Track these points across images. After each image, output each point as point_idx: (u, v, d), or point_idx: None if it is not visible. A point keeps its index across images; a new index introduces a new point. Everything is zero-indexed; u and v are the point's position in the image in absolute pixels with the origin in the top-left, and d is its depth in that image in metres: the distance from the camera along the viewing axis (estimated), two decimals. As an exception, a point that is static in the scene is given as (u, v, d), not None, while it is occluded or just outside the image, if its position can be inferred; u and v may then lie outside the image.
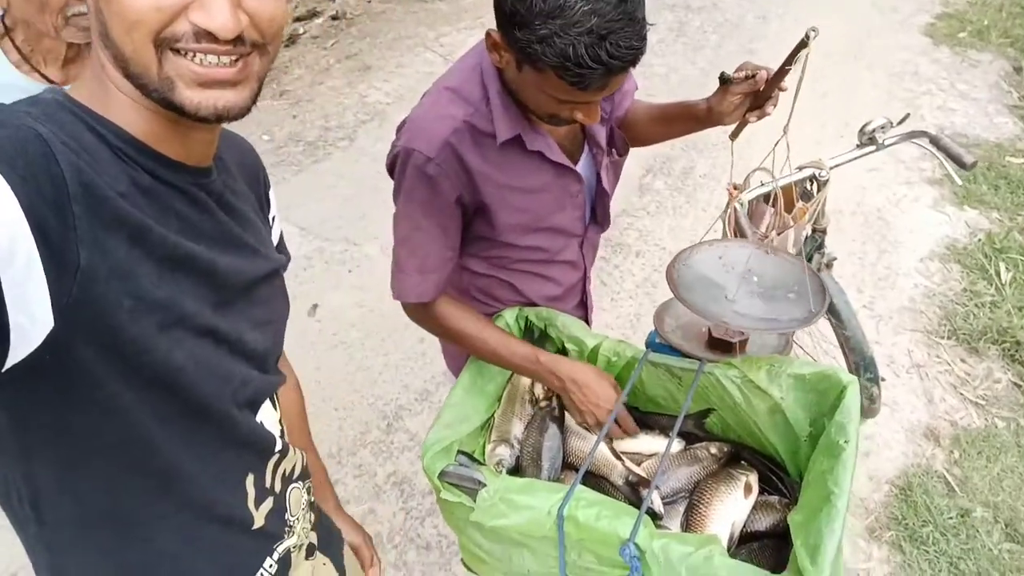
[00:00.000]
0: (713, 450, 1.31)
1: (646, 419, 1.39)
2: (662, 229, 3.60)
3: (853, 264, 3.34)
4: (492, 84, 1.18)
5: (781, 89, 1.23)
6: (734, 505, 1.20)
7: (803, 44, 1.11)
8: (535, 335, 1.41)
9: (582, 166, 1.36)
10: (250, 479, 0.86)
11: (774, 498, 1.25)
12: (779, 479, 1.28)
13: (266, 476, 0.89)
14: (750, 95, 1.25)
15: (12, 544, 0.81)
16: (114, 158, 0.65)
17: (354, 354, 2.84)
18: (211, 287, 0.74)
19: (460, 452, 1.22)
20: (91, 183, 0.60)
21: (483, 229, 1.33)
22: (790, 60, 1.13)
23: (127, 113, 0.67)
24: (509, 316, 1.42)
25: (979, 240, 3.49)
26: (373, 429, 2.55)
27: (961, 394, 2.74)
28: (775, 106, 1.25)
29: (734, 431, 1.33)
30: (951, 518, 2.24)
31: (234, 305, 0.79)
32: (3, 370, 0.56)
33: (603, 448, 1.28)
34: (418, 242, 1.26)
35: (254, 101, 0.71)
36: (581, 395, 1.29)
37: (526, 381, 1.41)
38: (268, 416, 0.89)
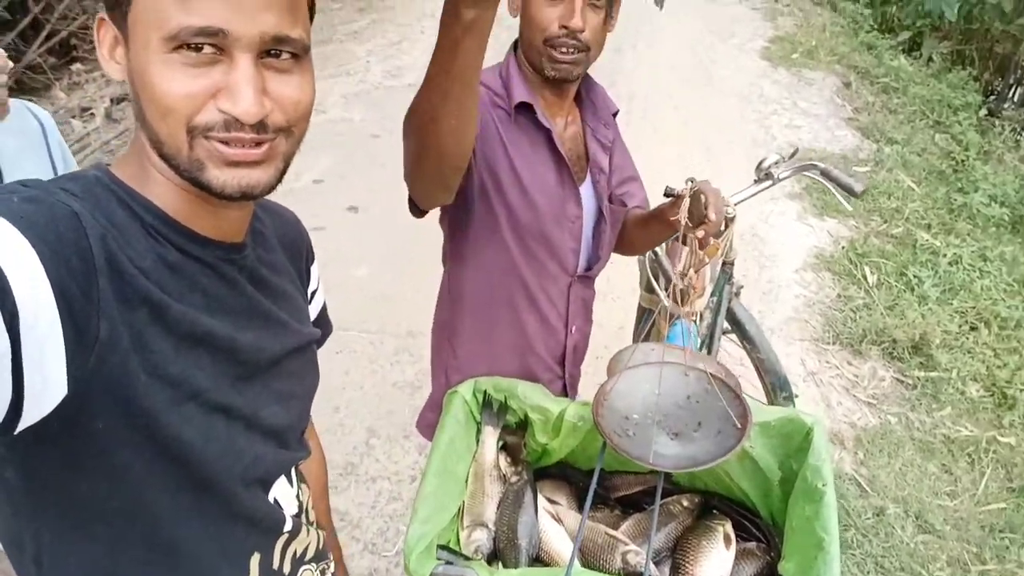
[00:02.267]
0: (685, 503, 1.32)
1: (613, 479, 1.39)
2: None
3: (739, 281, 3.53)
4: (511, 61, 1.36)
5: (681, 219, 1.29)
6: (718, 558, 1.21)
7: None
8: (495, 408, 1.37)
9: (584, 193, 1.42)
10: (255, 559, 0.84)
11: (752, 544, 1.27)
12: (753, 524, 1.31)
13: (274, 557, 0.87)
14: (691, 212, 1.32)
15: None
16: (144, 234, 0.69)
17: (264, 433, 2.68)
18: (231, 362, 0.76)
19: (440, 547, 1.16)
20: (117, 259, 0.64)
21: (486, 219, 1.35)
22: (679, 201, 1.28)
23: (162, 190, 0.72)
24: (465, 390, 1.37)
25: (843, 247, 3.80)
26: (298, 513, 2.40)
27: (854, 396, 2.94)
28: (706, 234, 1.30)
29: (701, 480, 1.35)
30: (868, 519, 2.39)
31: (255, 380, 0.80)
32: (16, 432, 0.58)
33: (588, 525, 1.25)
34: None
35: (279, 179, 0.74)
36: None
37: (491, 456, 1.37)
38: (283, 493, 0.88)
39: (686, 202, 1.26)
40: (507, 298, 1.42)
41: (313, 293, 1.00)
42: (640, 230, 1.54)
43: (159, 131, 0.67)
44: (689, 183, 1.30)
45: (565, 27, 1.23)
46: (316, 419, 2.98)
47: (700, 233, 1.31)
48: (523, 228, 1.36)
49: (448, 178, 1.09)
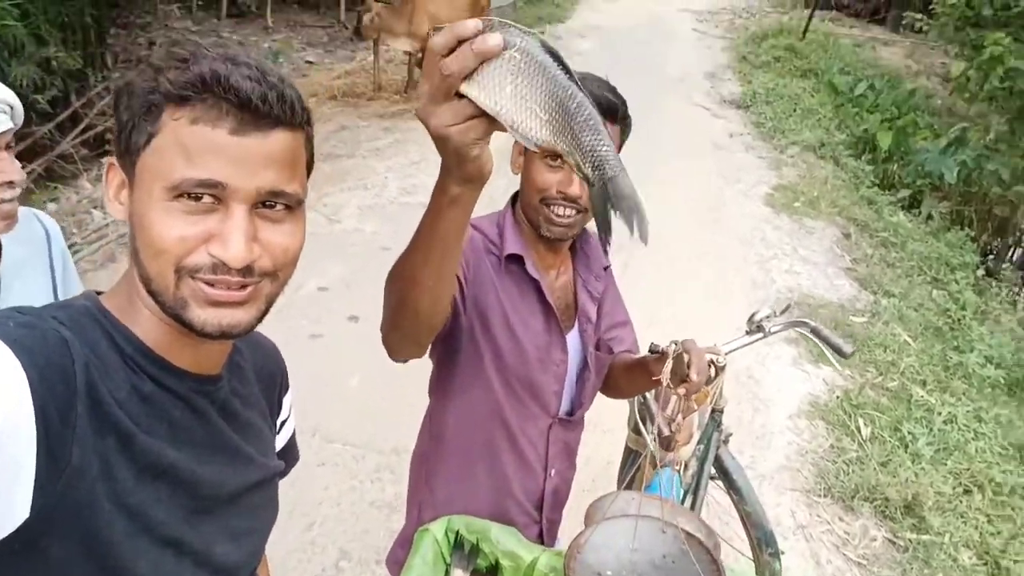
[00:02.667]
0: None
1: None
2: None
3: (732, 423, 3.48)
4: (507, 214, 1.43)
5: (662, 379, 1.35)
6: None
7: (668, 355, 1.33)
8: (466, 549, 1.35)
9: (570, 341, 1.46)
10: None
11: None
12: None
13: None
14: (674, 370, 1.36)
15: None
16: (122, 365, 0.72)
17: (236, 545, 2.61)
18: (189, 496, 0.77)
19: None
20: (95, 387, 0.67)
21: (462, 363, 1.38)
22: (663, 361, 1.34)
23: (145, 323, 0.75)
24: (437, 529, 1.35)
25: (838, 397, 3.79)
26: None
27: (844, 554, 2.86)
28: (689, 393, 1.37)
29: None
30: None
31: (212, 514, 0.81)
32: None
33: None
34: None
35: (260, 319, 0.77)
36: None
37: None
38: None
39: (668, 363, 1.30)
40: (488, 437, 1.43)
41: (283, 423, 1.02)
42: (626, 377, 1.57)
43: (149, 269, 0.71)
44: (673, 345, 1.34)
45: (563, 193, 1.30)
46: (288, 535, 2.92)
47: (681, 391, 1.34)
48: (508, 369, 1.39)
49: (421, 336, 1.11)
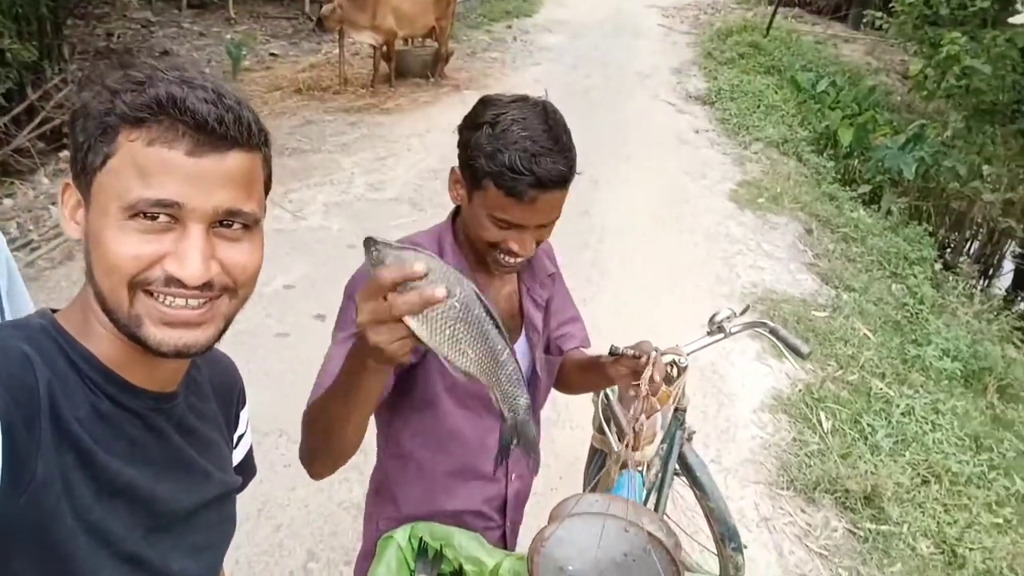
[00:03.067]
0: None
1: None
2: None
3: (697, 418, 3.55)
4: (447, 238, 1.37)
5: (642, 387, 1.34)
6: None
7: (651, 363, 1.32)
8: (430, 555, 1.35)
9: (518, 350, 1.44)
10: None
11: None
12: None
13: None
14: (635, 372, 1.36)
15: None
16: (80, 383, 0.72)
17: (200, 549, 2.57)
18: (147, 513, 0.77)
19: None
20: (57, 403, 0.67)
21: (415, 388, 1.36)
22: (647, 368, 1.32)
23: (101, 342, 0.75)
24: (401, 536, 1.35)
25: (800, 390, 3.86)
26: (224, 641, 2.28)
27: (806, 546, 2.92)
28: (643, 401, 1.35)
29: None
30: None
31: (170, 531, 0.81)
32: None
33: None
34: (340, 355, 1.27)
35: (218, 338, 0.78)
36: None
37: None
38: None
39: (648, 371, 1.30)
40: (447, 455, 1.43)
41: (240, 437, 1.03)
42: (579, 375, 1.57)
43: (103, 286, 0.71)
44: (652, 353, 1.34)
45: (514, 252, 1.25)
46: (255, 537, 2.88)
47: (643, 391, 1.35)
48: (459, 388, 1.38)
49: (340, 462, 1.14)
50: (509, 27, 12.23)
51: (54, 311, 0.79)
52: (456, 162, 1.29)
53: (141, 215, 0.69)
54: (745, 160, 7.18)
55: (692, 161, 7.05)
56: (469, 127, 1.24)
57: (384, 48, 7.97)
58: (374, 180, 5.76)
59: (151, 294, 0.71)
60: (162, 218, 0.70)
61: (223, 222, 0.74)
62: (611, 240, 5.32)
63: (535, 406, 1.52)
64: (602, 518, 1.35)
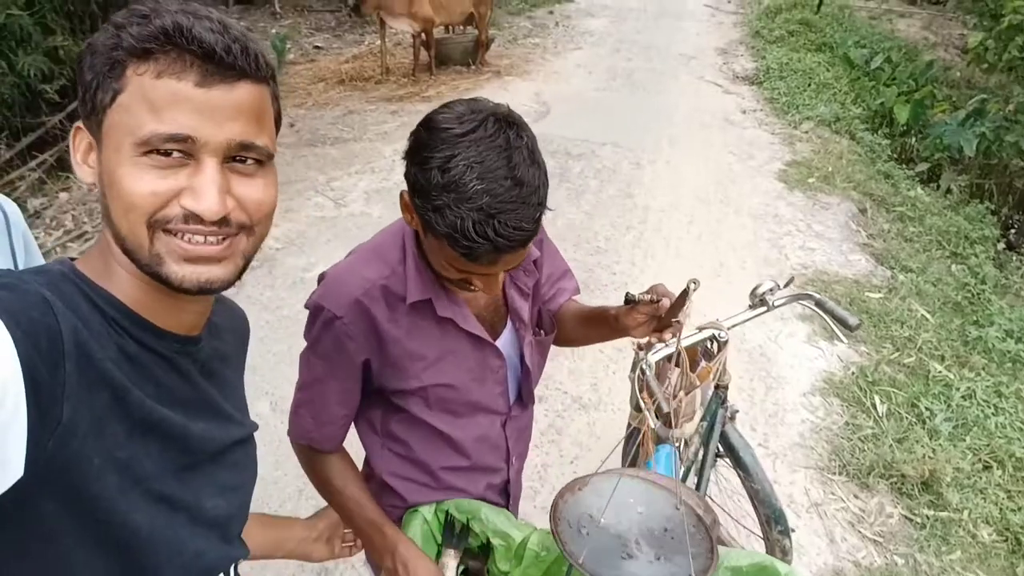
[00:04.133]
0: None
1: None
2: (561, 372, 3.61)
3: (744, 401, 3.45)
4: (410, 246, 1.22)
5: (677, 322, 1.27)
6: None
7: (686, 293, 1.22)
8: (456, 529, 1.32)
9: (504, 341, 1.36)
10: None
11: None
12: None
13: None
14: (654, 317, 1.28)
15: None
16: (105, 326, 0.71)
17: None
18: (180, 451, 0.77)
19: None
20: (84, 344, 0.66)
21: (396, 397, 1.31)
22: (681, 303, 1.24)
23: (124, 285, 0.75)
24: (427, 510, 1.33)
25: (853, 373, 3.72)
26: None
27: (859, 532, 2.80)
28: (674, 335, 1.29)
29: (670, 624, 1.27)
30: (870, 669, 2.22)
31: (200, 469, 0.81)
32: None
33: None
34: (317, 393, 1.29)
35: (239, 276, 0.77)
36: None
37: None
38: None
39: (688, 304, 1.23)
40: (444, 464, 1.38)
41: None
42: (582, 327, 1.49)
43: (121, 227, 0.71)
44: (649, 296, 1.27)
45: (481, 291, 1.17)
46: (283, 504, 2.90)
47: (668, 337, 1.28)
48: (446, 402, 1.32)
49: None
50: (551, 12, 12.12)
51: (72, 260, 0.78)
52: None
53: (155, 152, 0.69)
54: (795, 140, 6.97)
55: (739, 141, 6.87)
56: (416, 163, 1.04)
57: (423, 36, 7.96)
58: (415, 167, 5.75)
59: (170, 232, 0.71)
60: (176, 154, 0.70)
61: (236, 157, 0.74)
62: (655, 222, 5.21)
63: (524, 397, 1.45)
64: (639, 481, 1.30)
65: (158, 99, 0.68)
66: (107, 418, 0.67)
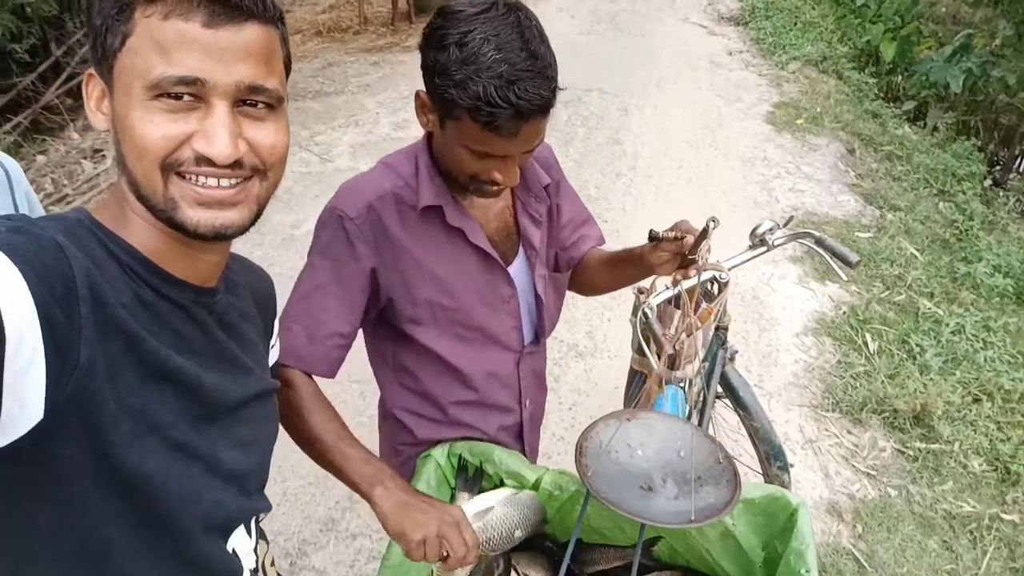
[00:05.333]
0: (665, 580, 1.27)
1: (591, 552, 1.33)
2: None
3: (739, 343, 3.48)
4: (423, 158, 1.24)
5: (695, 260, 1.28)
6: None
7: (705, 231, 1.22)
8: (470, 473, 1.33)
9: (516, 270, 1.36)
10: None
11: (733, 627, 1.21)
12: (735, 605, 1.24)
13: None
14: (678, 254, 1.28)
15: None
16: (121, 272, 0.71)
17: (246, 484, 2.62)
18: (194, 401, 0.77)
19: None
20: (98, 289, 0.66)
21: (406, 323, 1.30)
22: (700, 240, 1.24)
23: (140, 233, 0.75)
24: (439, 454, 1.33)
25: (844, 313, 3.76)
26: (274, 570, 2.32)
27: (853, 466, 2.87)
28: (697, 272, 1.29)
29: (683, 557, 1.29)
30: (866, 597, 2.30)
31: (217, 421, 0.81)
32: None
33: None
34: (316, 303, 1.23)
35: (253, 221, 0.77)
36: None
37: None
38: (241, 543, 0.87)
39: (705, 244, 1.23)
40: (456, 398, 1.38)
41: (273, 346, 1.04)
42: (608, 271, 1.49)
43: (135, 172, 0.71)
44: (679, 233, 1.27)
45: (495, 181, 1.16)
46: (302, 471, 2.90)
47: (693, 273, 1.28)
48: (456, 325, 1.31)
49: None
50: (531, -43, 11.80)
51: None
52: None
53: (165, 95, 0.69)
54: (782, 81, 6.90)
55: (726, 84, 6.80)
56: (433, 47, 1.07)
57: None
58: (399, 119, 5.66)
59: (184, 176, 0.71)
60: (186, 97, 0.69)
61: (247, 101, 0.73)
62: (644, 168, 5.18)
63: (540, 331, 1.45)
64: (656, 419, 1.30)
65: (166, 41, 0.68)
66: (121, 364, 0.68)
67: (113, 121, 0.73)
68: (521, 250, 1.37)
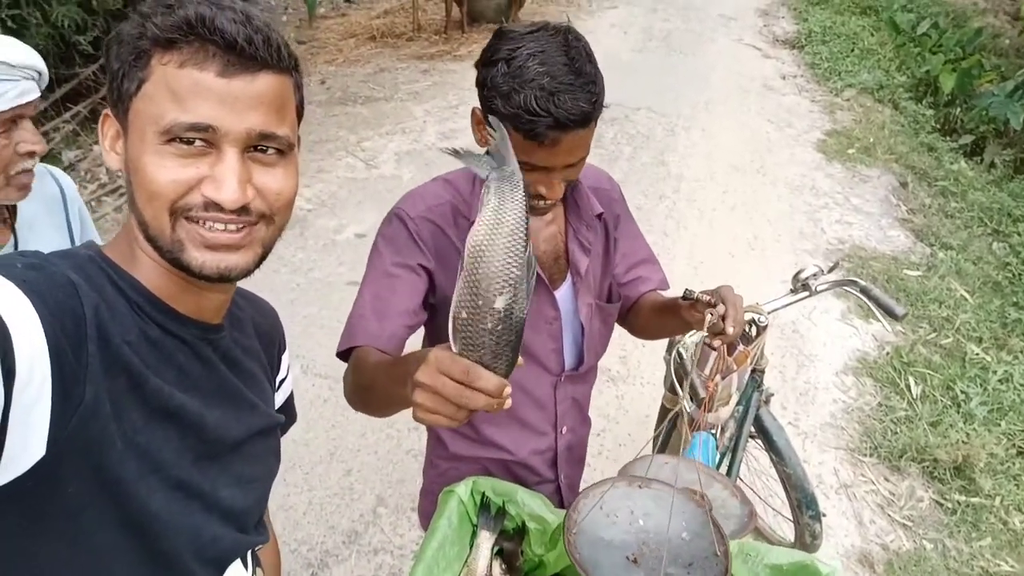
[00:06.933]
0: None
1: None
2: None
3: (775, 379, 3.41)
4: (478, 176, 1.23)
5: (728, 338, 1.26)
6: None
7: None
8: (492, 512, 1.31)
9: (562, 296, 1.38)
10: None
11: None
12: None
13: None
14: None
15: None
16: (129, 310, 0.73)
17: (274, 491, 2.63)
18: (197, 439, 0.78)
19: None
20: (105, 328, 0.67)
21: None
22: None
23: (147, 271, 0.76)
24: (463, 491, 1.32)
25: (887, 353, 3.66)
26: (295, 581, 2.34)
27: (888, 515, 2.78)
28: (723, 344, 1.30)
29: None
30: (895, 654, 2.22)
31: (219, 459, 0.82)
32: None
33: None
34: (384, 286, 1.26)
35: (258, 264, 0.79)
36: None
37: (484, 562, 1.30)
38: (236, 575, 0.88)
39: (707, 318, 1.22)
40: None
41: (282, 381, 1.04)
42: (655, 318, 1.49)
43: (145, 213, 0.73)
44: (706, 295, 1.27)
45: (541, 196, 1.18)
46: (328, 481, 2.93)
47: (717, 343, 1.27)
48: None
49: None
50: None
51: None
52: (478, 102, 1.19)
53: (177, 140, 0.70)
54: (835, 108, 6.77)
55: (777, 108, 6.69)
56: (485, 64, 1.15)
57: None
58: (445, 129, 5.69)
59: (191, 220, 0.73)
60: (198, 143, 0.71)
61: (257, 147, 0.74)
62: (688, 191, 5.12)
63: (586, 358, 1.44)
64: (666, 490, 1.27)
65: (181, 88, 0.69)
66: (125, 403, 0.68)
67: (126, 162, 0.74)
68: (569, 276, 1.38)
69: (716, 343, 1.27)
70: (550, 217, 1.34)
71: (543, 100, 1.07)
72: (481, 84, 1.15)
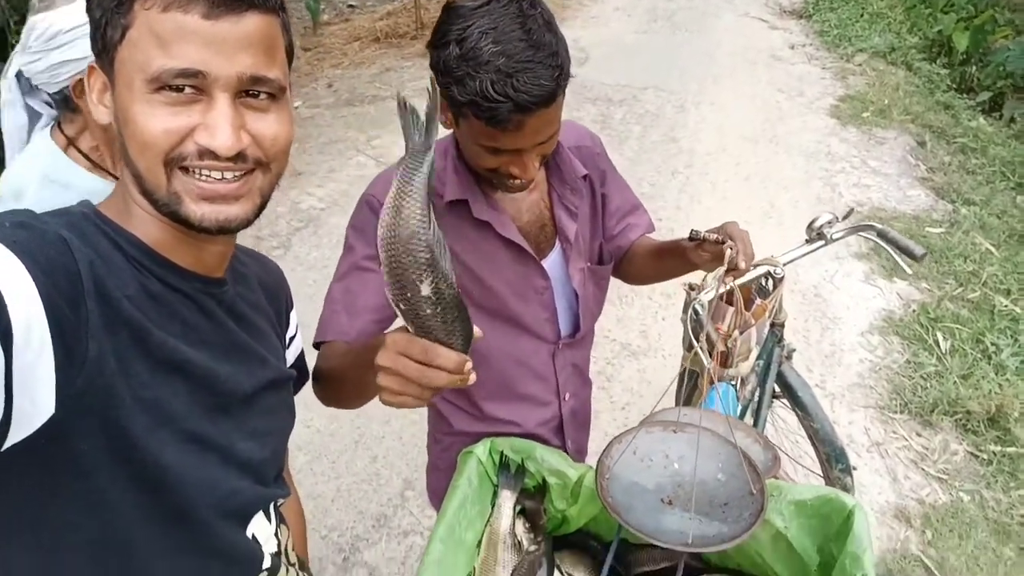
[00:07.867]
0: (714, 583, 1.22)
1: (637, 553, 1.30)
2: (610, 320, 3.57)
3: (799, 342, 3.37)
4: (451, 152, 1.24)
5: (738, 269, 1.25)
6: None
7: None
8: (512, 470, 1.31)
9: (552, 263, 1.35)
10: None
11: (786, 633, 1.16)
12: (788, 611, 1.19)
13: None
14: (719, 256, 1.25)
15: None
16: (127, 264, 0.72)
17: (302, 480, 2.65)
18: (207, 392, 0.77)
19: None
20: (103, 283, 0.66)
21: None
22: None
23: (145, 225, 0.75)
24: (481, 451, 1.31)
25: (914, 311, 3.60)
26: (328, 566, 2.35)
27: (923, 469, 2.74)
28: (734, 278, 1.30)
29: (733, 560, 1.25)
30: (937, 607, 2.19)
31: (230, 412, 0.81)
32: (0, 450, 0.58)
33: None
34: (355, 281, 1.23)
35: (257, 214, 0.77)
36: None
37: (507, 521, 1.30)
38: (261, 529, 0.88)
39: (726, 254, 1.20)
40: (489, 378, 1.35)
41: (291, 338, 1.03)
42: (654, 261, 1.46)
43: (139, 165, 0.71)
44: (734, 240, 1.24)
45: (513, 176, 1.14)
46: (355, 467, 2.95)
47: (730, 282, 1.25)
48: (486, 311, 1.30)
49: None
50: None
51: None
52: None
53: (166, 88, 0.68)
54: (847, 73, 6.68)
55: (787, 78, 6.61)
56: (436, 46, 1.06)
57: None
58: (454, 122, 5.69)
59: (187, 170, 0.71)
60: (187, 90, 0.69)
61: (249, 92, 0.72)
62: (700, 165, 5.08)
63: (582, 324, 1.42)
64: (703, 434, 1.26)
65: (165, 33, 0.67)
66: (129, 357, 0.68)
67: (115, 114, 0.72)
68: (557, 243, 1.35)
69: (729, 280, 1.25)
70: (532, 185, 1.29)
71: (500, 84, 0.99)
72: (435, 68, 1.07)
